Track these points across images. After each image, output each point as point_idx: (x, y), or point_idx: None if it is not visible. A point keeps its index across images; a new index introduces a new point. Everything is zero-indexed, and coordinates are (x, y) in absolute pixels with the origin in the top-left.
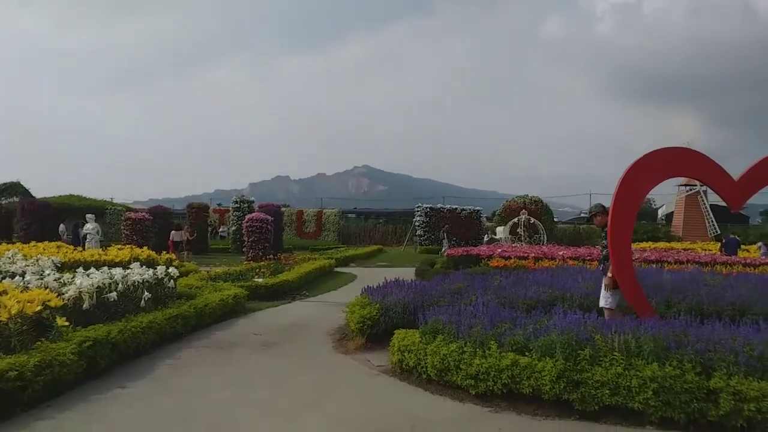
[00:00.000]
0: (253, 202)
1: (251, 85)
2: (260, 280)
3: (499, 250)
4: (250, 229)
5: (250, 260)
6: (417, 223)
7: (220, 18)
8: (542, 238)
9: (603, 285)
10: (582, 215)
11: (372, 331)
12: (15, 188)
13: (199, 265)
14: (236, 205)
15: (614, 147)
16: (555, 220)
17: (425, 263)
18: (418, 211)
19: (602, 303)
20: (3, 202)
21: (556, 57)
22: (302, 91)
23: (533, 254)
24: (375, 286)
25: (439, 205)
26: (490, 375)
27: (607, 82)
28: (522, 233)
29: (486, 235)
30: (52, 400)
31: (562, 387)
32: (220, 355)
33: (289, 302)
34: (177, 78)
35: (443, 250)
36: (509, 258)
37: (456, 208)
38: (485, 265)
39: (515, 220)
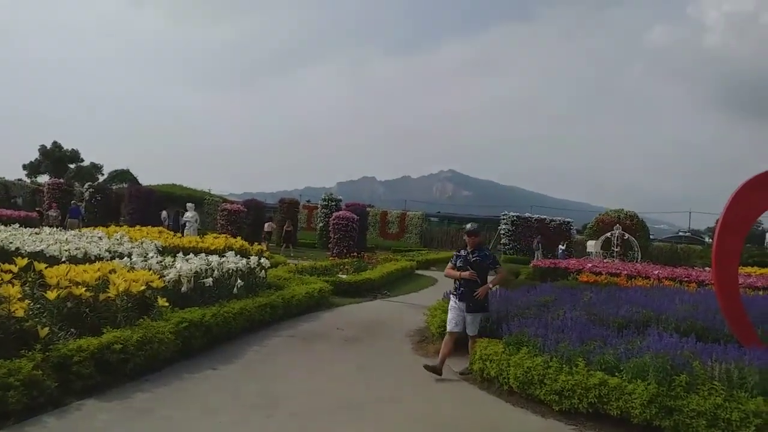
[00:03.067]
0: (340, 200)
1: (345, 87)
2: (344, 276)
3: (590, 264)
4: (336, 227)
5: (334, 256)
6: (502, 232)
7: (321, 21)
8: (636, 255)
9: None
10: (680, 234)
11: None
12: (124, 175)
13: (287, 258)
14: (324, 203)
15: (719, 163)
16: (651, 237)
17: (509, 273)
18: (504, 219)
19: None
20: (113, 187)
21: (660, 66)
22: (396, 94)
23: (626, 271)
24: None
25: (527, 214)
26: (575, 392)
27: (714, 93)
28: (615, 249)
29: (560, 246)
30: (150, 374)
31: (653, 412)
32: (304, 345)
33: (371, 300)
34: (275, 77)
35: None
36: (600, 274)
37: (545, 219)
38: (574, 279)
39: (608, 234)
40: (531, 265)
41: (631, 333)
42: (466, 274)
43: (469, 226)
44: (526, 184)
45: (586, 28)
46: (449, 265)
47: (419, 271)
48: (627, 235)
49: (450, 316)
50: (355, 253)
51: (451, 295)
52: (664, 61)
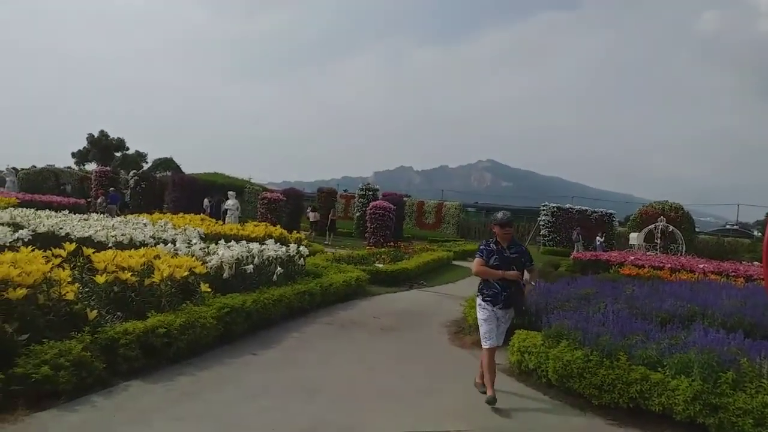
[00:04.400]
0: (377, 190)
1: (383, 77)
2: (381, 265)
3: (632, 257)
4: (373, 216)
5: (371, 246)
6: (542, 223)
7: (357, 11)
8: (680, 248)
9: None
10: (727, 227)
11: None
12: (168, 163)
13: (325, 247)
14: (362, 192)
15: None
16: (696, 230)
17: (549, 264)
18: (544, 209)
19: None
20: (157, 175)
21: (708, 54)
22: (432, 83)
23: (670, 265)
24: None
25: (567, 205)
26: (616, 387)
27: (764, 81)
28: (658, 242)
29: (598, 237)
30: (193, 358)
31: (697, 409)
32: (341, 333)
33: (407, 290)
34: (313, 67)
35: (574, 252)
36: (643, 267)
37: (586, 210)
38: (615, 272)
39: (651, 227)
40: (571, 257)
41: (675, 328)
42: (513, 273)
43: (500, 215)
44: (567, 174)
45: (632, 15)
46: (478, 261)
47: (456, 262)
48: (671, 228)
49: (486, 328)
50: (392, 243)
51: (485, 302)
52: (712, 48)
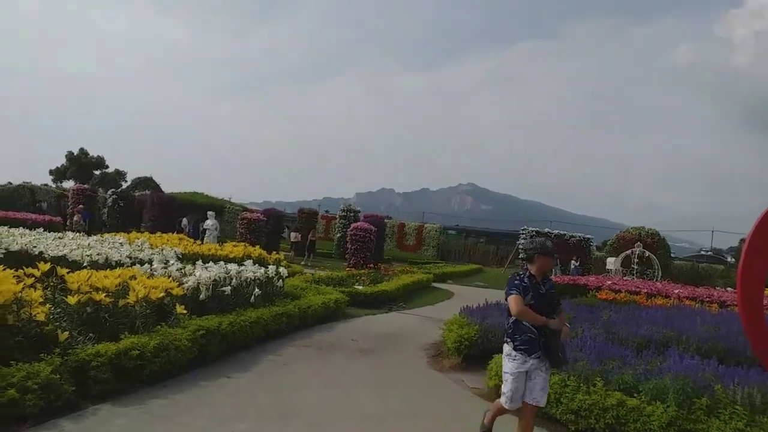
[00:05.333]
0: (359, 211)
1: (367, 100)
2: (360, 287)
3: (609, 282)
4: (354, 238)
5: (351, 267)
6: (521, 246)
7: (340, 34)
8: (656, 273)
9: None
10: (702, 253)
11: (468, 352)
12: (148, 182)
13: (304, 268)
14: (343, 214)
15: (743, 183)
16: (672, 255)
17: None
18: (523, 233)
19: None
20: (136, 193)
21: (684, 84)
22: (415, 107)
23: (646, 290)
24: (474, 307)
25: (546, 230)
26: (592, 412)
27: (739, 111)
28: (634, 267)
29: (573, 262)
30: (167, 381)
31: None
32: (319, 356)
33: (386, 312)
34: (296, 88)
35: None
36: (619, 291)
37: (564, 234)
38: (593, 296)
39: (628, 252)
40: None
41: (651, 353)
42: (557, 323)
43: (546, 242)
44: (546, 199)
45: (610, 45)
46: (516, 298)
47: (436, 284)
48: (647, 253)
49: (512, 386)
50: (372, 265)
51: (517, 351)
52: (688, 78)
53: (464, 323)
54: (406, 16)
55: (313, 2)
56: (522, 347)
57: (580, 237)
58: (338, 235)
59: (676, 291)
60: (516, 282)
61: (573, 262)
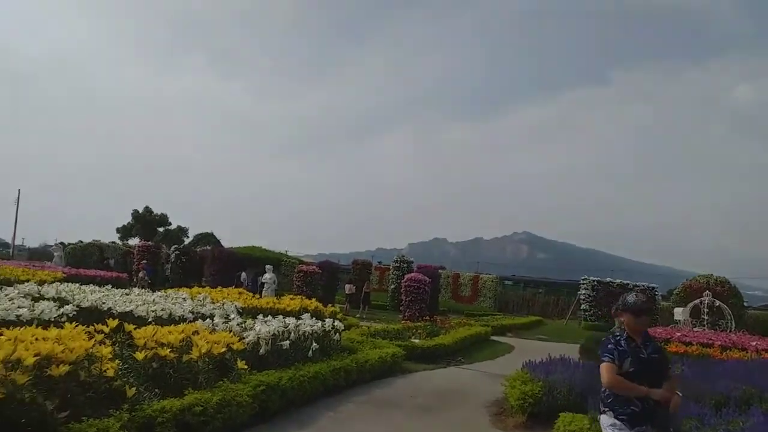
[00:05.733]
0: (412, 262)
1: (417, 151)
2: (417, 341)
3: (678, 334)
4: (408, 289)
5: (406, 319)
6: (582, 297)
7: (389, 90)
8: (729, 324)
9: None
10: None
11: (533, 410)
12: (208, 238)
13: (359, 320)
14: (396, 264)
15: None
16: (745, 304)
17: (591, 341)
18: (583, 284)
19: None
20: (197, 249)
21: (745, 125)
22: (465, 157)
23: (719, 342)
24: (537, 361)
25: (608, 279)
26: None
27: None
28: (704, 317)
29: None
30: None
31: None
32: (378, 413)
33: (445, 367)
34: (348, 145)
35: (614, 328)
36: (690, 344)
37: (627, 284)
38: None
39: (697, 301)
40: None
41: (731, 412)
42: (661, 393)
43: (633, 297)
44: (605, 246)
45: (665, 89)
46: (608, 367)
47: (494, 337)
48: (718, 303)
49: None
50: (428, 317)
51: (620, 420)
52: (748, 119)
53: (528, 379)
54: (454, 70)
55: (361, 61)
56: (623, 417)
57: (643, 286)
58: (392, 286)
59: (754, 343)
60: (610, 346)
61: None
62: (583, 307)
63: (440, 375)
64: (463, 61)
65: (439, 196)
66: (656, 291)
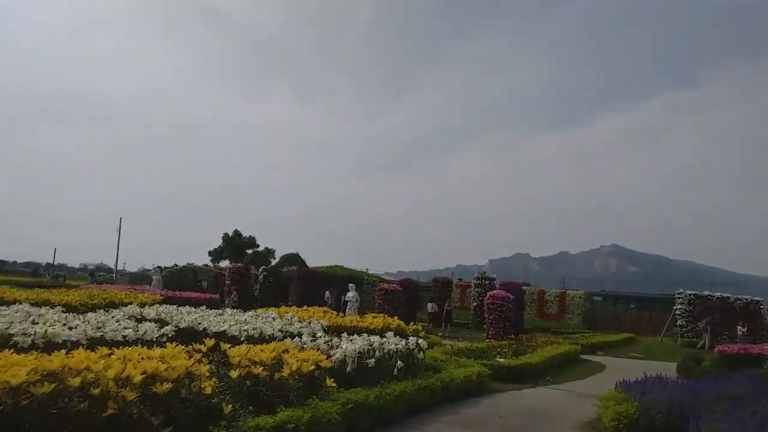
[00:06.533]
0: (494, 279)
1: (494, 166)
2: (503, 360)
3: None
4: (491, 306)
5: (490, 338)
6: (678, 312)
7: (467, 105)
8: None
9: None
10: None
11: (629, 431)
12: (294, 258)
13: (442, 339)
14: (478, 281)
15: None
16: None
17: (689, 359)
18: (679, 298)
19: None
20: (284, 269)
21: None
22: (546, 169)
23: None
24: (631, 381)
25: (706, 292)
26: None
27: None
28: None
29: (739, 327)
30: None
31: None
32: None
33: (532, 387)
34: (426, 161)
35: (700, 344)
36: None
37: (728, 297)
38: None
39: None
40: (715, 350)
41: None
42: None
43: None
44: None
45: (764, 88)
46: None
47: (584, 356)
48: None
49: None
50: (513, 335)
51: None
52: None
53: (622, 399)
54: (532, 81)
55: (437, 80)
56: None
57: (747, 300)
58: (474, 304)
59: None
60: None
61: (740, 328)
62: (679, 323)
63: (528, 395)
64: (541, 72)
65: (520, 209)
66: (761, 304)
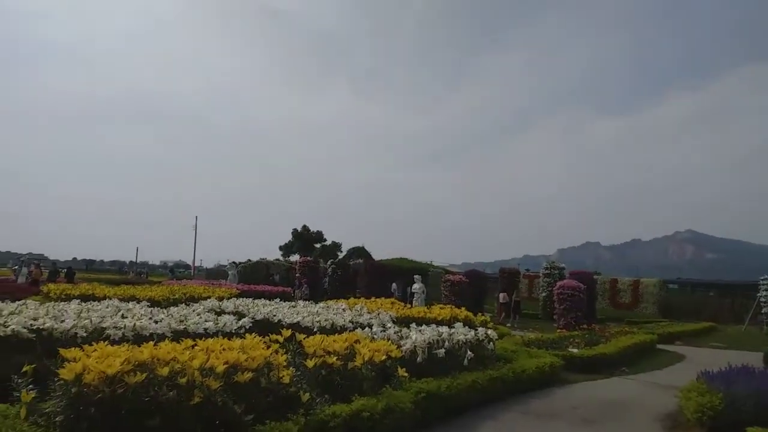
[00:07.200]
0: (563, 268)
1: (559, 151)
2: (575, 350)
3: None
4: (561, 296)
5: (561, 328)
6: (762, 299)
7: (525, 90)
8: None
9: None
10: None
11: (713, 424)
12: (360, 251)
13: (511, 330)
14: (546, 271)
15: None
16: None
17: None
18: (764, 283)
19: None
20: (350, 262)
21: None
22: (615, 153)
23: None
24: (714, 371)
25: None
26: None
27: None
28: None
29: None
30: None
31: None
32: (539, 423)
33: (607, 378)
34: (488, 149)
35: None
36: None
37: None
38: None
39: None
40: None
41: None
42: None
43: None
44: None
45: None
46: None
47: (661, 346)
48: None
49: None
50: (585, 325)
51: None
52: None
53: (705, 390)
54: (596, 60)
55: (496, 66)
56: None
57: None
58: (543, 294)
59: None
60: None
61: None
62: (764, 310)
63: (603, 386)
64: (606, 51)
65: (588, 197)
66: None
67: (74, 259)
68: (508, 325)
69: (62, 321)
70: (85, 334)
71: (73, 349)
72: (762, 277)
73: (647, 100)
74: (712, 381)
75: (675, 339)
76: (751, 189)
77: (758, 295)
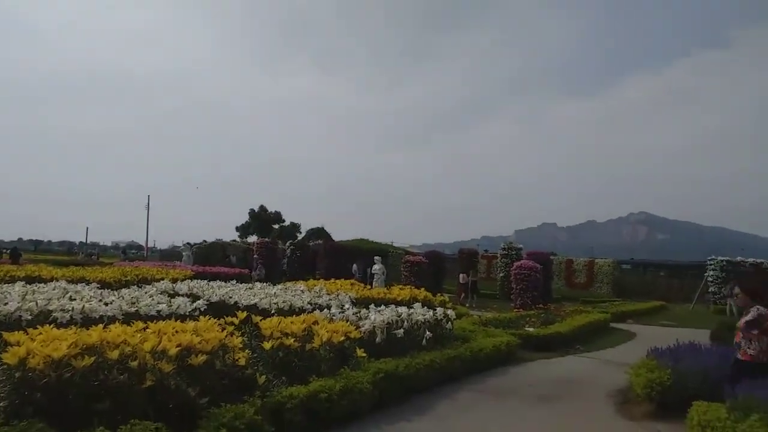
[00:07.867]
0: (521, 249)
1: (520, 133)
2: (531, 329)
3: None
4: (518, 277)
5: (518, 308)
6: (710, 279)
7: (492, 73)
8: None
9: None
10: None
11: (662, 399)
12: (320, 233)
13: (469, 310)
14: (504, 252)
15: None
16: None
17: (723, 326)
18: (711, 264)
19: None
20: (310, 243)
21: None
22: (573, 136)
23: None
24: (663, 348)
25: (738, 258)
26: None
27: None
28: None
29: None
30: (350, 423)
31: None
32: (496, 401)
33: (562, 356)
34: (451, 132)
35: (728, 310)
36: None
37: (762, 263)
38: None
39: None
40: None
41: None
42: None
43: None
44: (732, 224)
45: None
46: None
47: (614, 324)
48: None
49: None
50: (541, 305)
51: None
52: None
53: (654, 367)
54: (557, 45)
55: (459, 48)
56: None
57: None
58: (501, 274)
59: None
60: None
61: None
62: (711, 290)
63: (558, 364)
64: (566, 36)
65: (547, 179)
66: None
67: (20, 239)
68: (467, 305)
69: (5, 304)
70: (30, 317)
71: (16, 332)
72: (709, 258)
73: (609, 83)
74: (661, 357)
75: (627, 318)
76: (702, 172)
77: (706, 275)
